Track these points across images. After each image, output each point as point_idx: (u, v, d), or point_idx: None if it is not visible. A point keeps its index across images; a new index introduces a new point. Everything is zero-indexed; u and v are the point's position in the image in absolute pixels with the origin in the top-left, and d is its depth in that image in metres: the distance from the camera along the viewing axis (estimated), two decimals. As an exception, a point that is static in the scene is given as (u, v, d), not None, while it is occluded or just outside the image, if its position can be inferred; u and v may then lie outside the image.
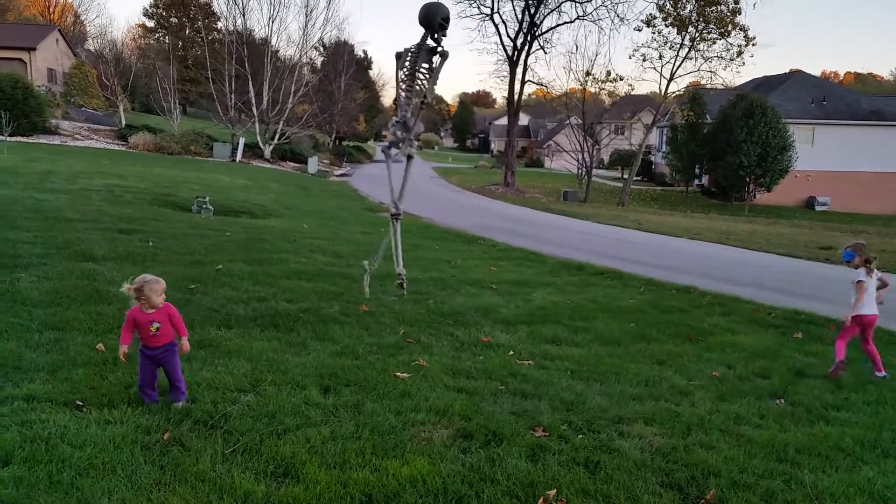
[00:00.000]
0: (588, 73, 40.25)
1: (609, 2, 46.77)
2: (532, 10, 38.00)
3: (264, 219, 15.24)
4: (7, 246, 7.62)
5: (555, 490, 3.29)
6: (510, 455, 3.63)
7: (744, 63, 40.08)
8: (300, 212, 18.13)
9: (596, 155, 43.83)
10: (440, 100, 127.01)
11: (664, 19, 38.17)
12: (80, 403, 3.75)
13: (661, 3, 37.84)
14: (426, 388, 4.58)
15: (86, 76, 43.91)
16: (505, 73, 40.46)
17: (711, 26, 37.58)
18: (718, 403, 4.82)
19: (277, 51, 43.44)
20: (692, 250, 16.34)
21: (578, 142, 41.31)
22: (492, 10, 39.14)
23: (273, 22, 42.53)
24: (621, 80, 41.09)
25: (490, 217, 21.72)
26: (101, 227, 9.82)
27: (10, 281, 6.13)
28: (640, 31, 39.25)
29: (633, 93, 44.64)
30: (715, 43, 38.02)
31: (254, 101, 39.79)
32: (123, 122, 39.17)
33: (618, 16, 58.28)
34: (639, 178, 49.10)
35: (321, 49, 57.00)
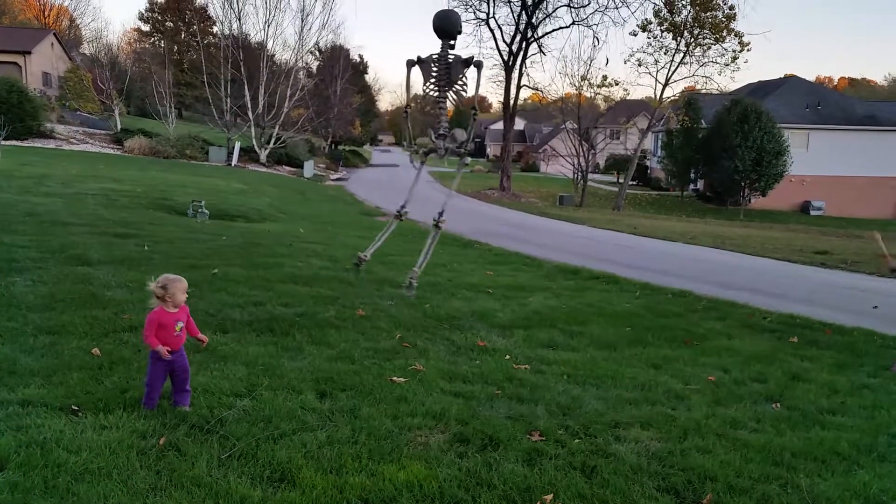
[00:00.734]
0: (584, 78, 40.41)
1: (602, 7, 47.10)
2: (529, 14, 38.11)
3: (260, 223, 15.22)
4: (2, 250, 7.60)
5: (551, 495, 3.28)
6: (507, 459, 3.63)
7: (738, 68, 40.32)
8: (296, 216, 18.12)
9: (591, 159, 43.89)
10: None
11: (659, 24, 38.34)
12: (76, 408, 3.73)
13: (656, 8, 38.04)
14: (422, 392, 4.58)
15: (81, 80, 43.80)
16: (501, 78, 40.58)
17: (706, 32, 37.75)
18: (714, 408, 4.83)
19: (273, 55, 43.53)
20: (688, 254, 16.38)
21: (574, 146, 41.37)
22: (487, 15, 39.29)
23: (269, 26, 42.46)
24: (617, 84, 41.17)
25: (486, 221, 21.73)
26: (97, 231, 9.80)
27: (5, 285, 6.11)
28: (635, 35, 39.19)
29: (628, 98, 44.78)
30: (710, 48, 38.24)
31: (249, 106, 39.81)
32: (119, 126, 39.10)
33: (612, 21, 58.58)
34: (634, 183, 49.19)
35: (317, 53, 57.10)
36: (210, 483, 3.11)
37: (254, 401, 4.11)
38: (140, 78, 50.37)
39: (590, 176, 42.67)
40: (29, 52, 45.41)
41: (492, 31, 40.21)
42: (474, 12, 38.96)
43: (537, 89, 42.38)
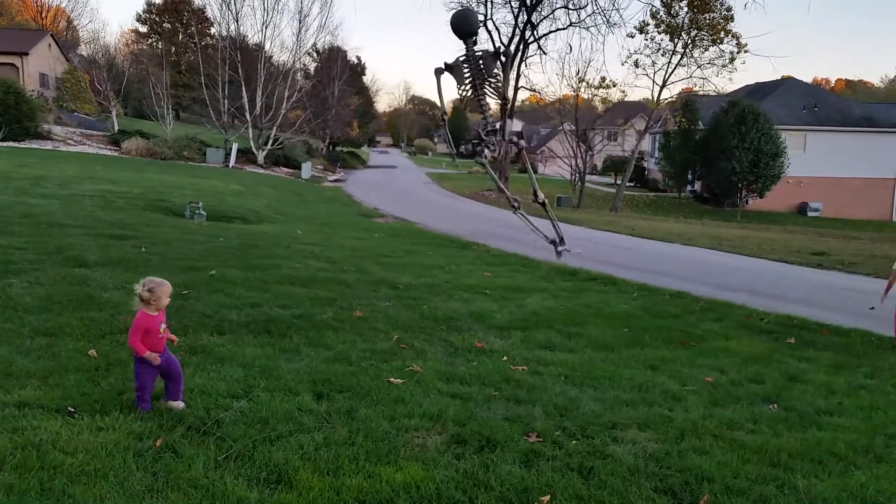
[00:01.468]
0: (581, 80, 40.42)
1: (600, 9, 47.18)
2: (528, 13, 38.12)
3: (258, 224, 15.21)
4: (-2, 251, 7.58)
5: (549, 496, 3.28)
6: (504, 461, 3.63)
7: (735, 70, 40.35)
8: (293, 217, 18.11)
9: (589, 161, 43.92)
10: (433, 105, 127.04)
11: (657, 26, 38.38)
12: (72, 410, 3.72)
13: (653, 10, 38.08)
14: (420, 393, 4.57)
15: (78, 81, 43.71)
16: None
17: (704, 33, 37.79)
18: (712, 409, 4.83)
19: (271, 56, 43.51)
20: (685, 256, 16.38)
21: (572, 148, 41.40)
22: (486, 16, 39.27)
23: (266, 27, 42.31)
24: (614, 86, 41.18)
25: (483, 222, 21.73)
26: (94, 233, 9.78)
27: (2, 286, 6.10)
28: (632, 37, 39.24)
29: (625, 99, 44.85)
30: (707, 50, 38.28)
31: (247, 107, 39.76)
32: (116, 128, 39.03)
33: (610, 22, 58.52)
34: (632, 184, 49.21)
35: (315, 55, 57.05)
36: (206, 485, 3.10)
37: (250, 402, 4.10)
38: (137, 79, 50.26)
39: (587, 177, 42.70)
40: (26, 54, 45.40)
41: (489, 32, 40.13)
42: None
43: (535, 91, 42.46)
